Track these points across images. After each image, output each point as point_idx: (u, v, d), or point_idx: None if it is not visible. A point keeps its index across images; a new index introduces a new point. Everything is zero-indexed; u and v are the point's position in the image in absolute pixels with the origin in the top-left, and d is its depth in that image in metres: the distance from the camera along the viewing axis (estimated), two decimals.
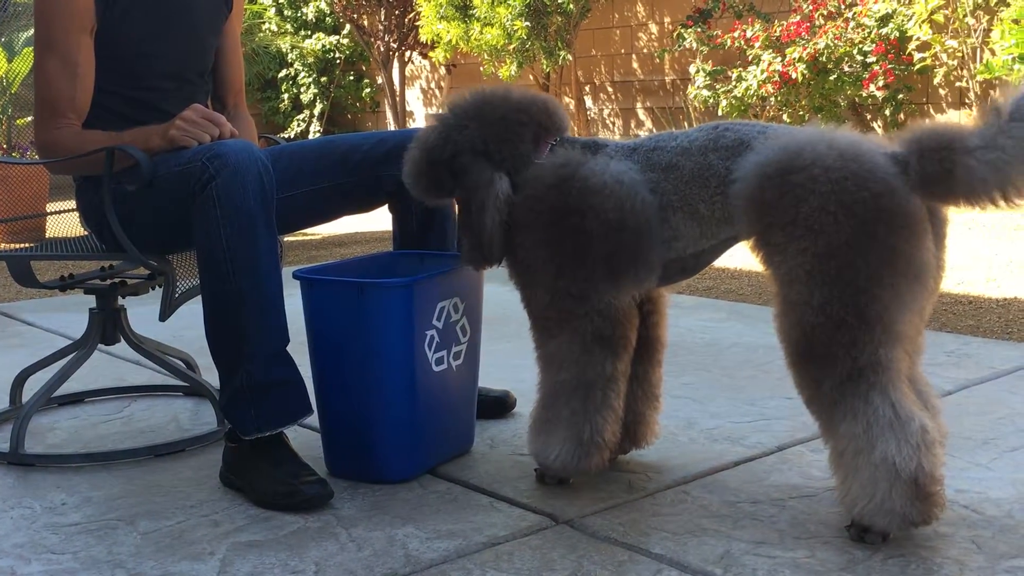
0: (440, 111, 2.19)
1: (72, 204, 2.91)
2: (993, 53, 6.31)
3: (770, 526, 1.93)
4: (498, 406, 2.63)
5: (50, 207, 3.07)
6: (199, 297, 2.25)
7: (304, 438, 2.38)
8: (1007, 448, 2.31)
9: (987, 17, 6.52)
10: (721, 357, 3.20)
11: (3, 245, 2.79)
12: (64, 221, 2.99)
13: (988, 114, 1.74)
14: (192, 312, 2.49)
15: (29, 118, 3.78)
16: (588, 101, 9.42)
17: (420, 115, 10.96)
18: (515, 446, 2.41)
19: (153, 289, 2.61)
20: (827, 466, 1.88)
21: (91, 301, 2.61)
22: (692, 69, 7.86)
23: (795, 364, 1.85)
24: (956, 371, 2.93)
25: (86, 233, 2.79)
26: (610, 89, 9.29)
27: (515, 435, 2.48)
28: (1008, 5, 6.12)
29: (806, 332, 1.80)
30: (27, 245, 2.71)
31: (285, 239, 2.22)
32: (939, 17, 6.58)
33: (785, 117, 7.37)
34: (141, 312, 2.96)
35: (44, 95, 2.33)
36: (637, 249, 1.99)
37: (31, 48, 5.45)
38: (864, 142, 1.82)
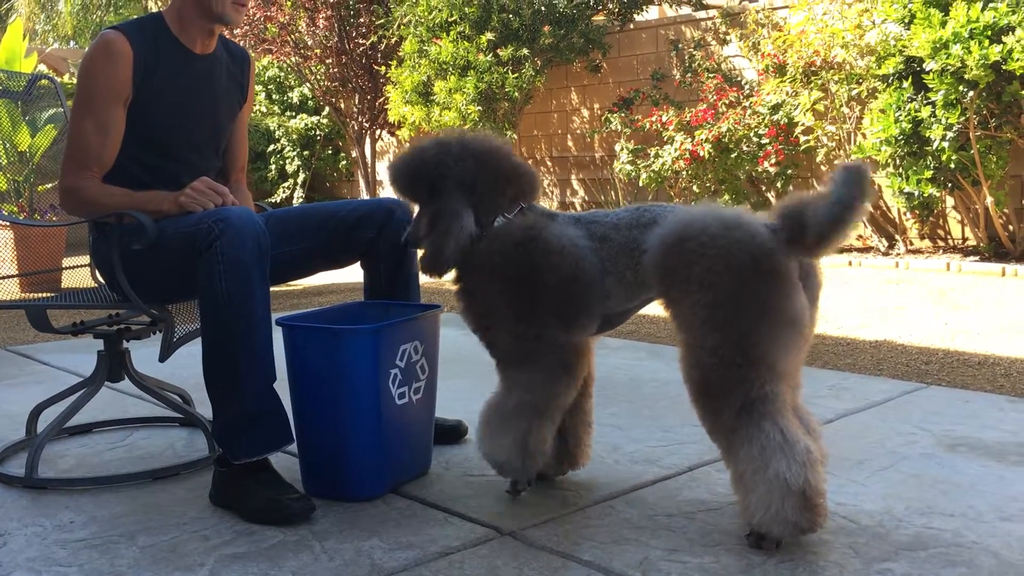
0: (446, 138, 2.15)
1: (84, 259, 2.87)
2: (864, 136, 6.48)
3: (682, 536, 1.94)
4: (452, 433, 2.61)
5: (65, 262, 3.01)
6: (194, 341, 2.22)
7: (284, 462, 2.35)
8: (878, 468, 2.34)
9: (859, 107, 6.70)
10: (641, 391, 3.22)
11: (24, 295, 2.74)
12: (77, 274, 2.94)
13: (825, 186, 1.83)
14: (188, 354, 2.46)
15: (50, 185, 3.73)
16: None
17: (388, 184, 10.94)
18: (467, 468, 2.40)
19: (154, 334, 2.57)
20: (729, 484, 1.90)
21: (99, 344, 2.56)
22: (617, 147, 7.97)
23: (697, 400, 1.87)
24: (836, 402, 2.97)
25: (96, 285, 2.75)
26: (549, 163, 9.39)
27: (467, 459, 2.47)
28: (876, 98, 6.31)
29: (704, 372, 1.83)
30: (45, 295, 2.65)
31: (271, 289, 2.22)
32: (820, 107, 6.76)
33: (695, 188, 7.49)
34: (143, 353, 2.91)
35: (75, 147, 2.31)
36: (585, 300, 2.02)
37: (52, 125, 5.39)
38: (745, 215, 1.87)
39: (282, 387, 2.16)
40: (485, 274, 2.08)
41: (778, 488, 1.77)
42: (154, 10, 13.32)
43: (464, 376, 3.22)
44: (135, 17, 2.55)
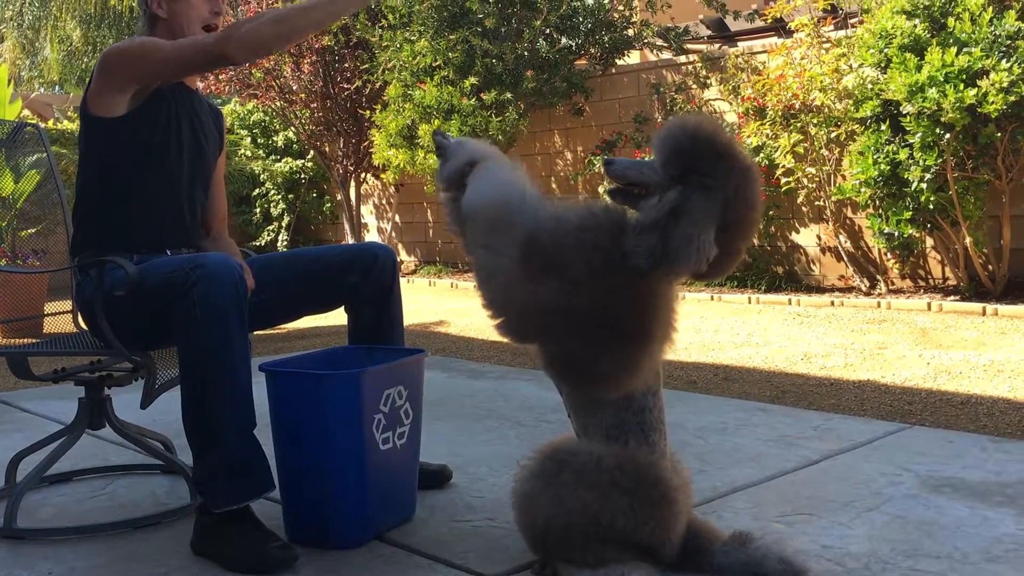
0: (752, 170, 1.82)
1: (65, 305, 2.85)
2: (844, 178, 6.57)
3: None
4: (436, 478, 2.60)
5: (48, 307, 2.99)
6: (176, 387, 2.21)
7: (267, 509, 2.32)
8: (864, 509, 2.34)
9: (838, 149, 6.80)
10: None
11: (5, 341, 2.72)
12: (58, 320, 2.92)
13: None
14: (169, 399, 2.44)
15: (32, 230, 3.72)
16: None
17: (374, 227, 10.99)
18: (451, 513, 2.38)
19: (136, 380, 2.55)
20: (718, 521, 1.89)
21: (80, 391, 2.54)
22: (601, 189, 8.03)
23: None
24: (820, 443, 2.97)
25: (77, 331, 2.74)
26: None
27: (451, 504, 2.45)
28: (854, 140, 6.40)
29: None
30: (27, 341, 2.64)
31: (255, 333, 2.21)
32: (800, 149, 6.85)
33: None
34: (125, 399, 2.89)
35: (186, 41, 2.28)
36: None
37: (35, 170, 5.40)
38: None
39: (265, 433, 2.15)
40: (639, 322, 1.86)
41: None
42: None
43: (449, 419, 3.20)
44: None
